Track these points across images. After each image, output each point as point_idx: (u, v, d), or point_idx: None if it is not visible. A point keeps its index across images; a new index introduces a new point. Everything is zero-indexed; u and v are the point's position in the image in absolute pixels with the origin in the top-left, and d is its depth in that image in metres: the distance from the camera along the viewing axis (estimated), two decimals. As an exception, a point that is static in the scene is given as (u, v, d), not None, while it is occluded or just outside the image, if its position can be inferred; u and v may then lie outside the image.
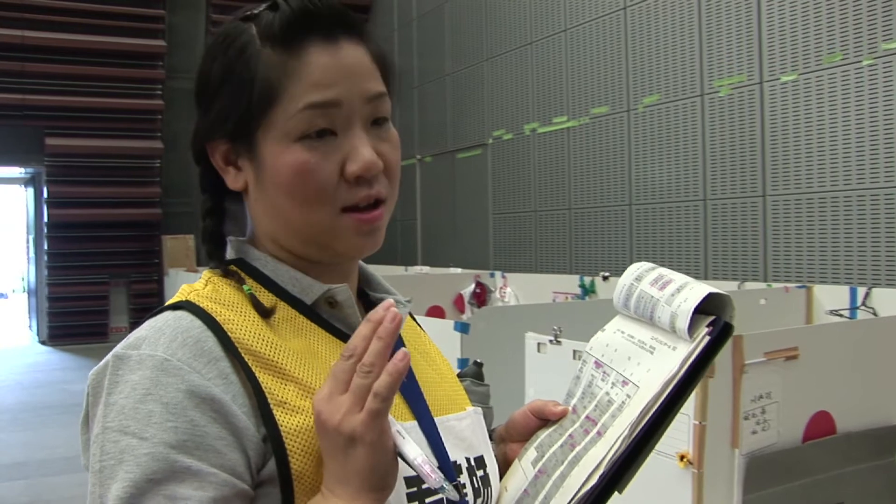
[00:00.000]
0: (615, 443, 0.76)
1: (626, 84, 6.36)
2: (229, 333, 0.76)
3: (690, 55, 5.71)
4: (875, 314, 3.35)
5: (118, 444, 0.69)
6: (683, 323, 0.76)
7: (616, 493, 0.77)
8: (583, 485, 0.76)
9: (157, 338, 0.74)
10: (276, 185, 0.80)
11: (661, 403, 0.76)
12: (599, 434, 0.79)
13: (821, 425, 2.03)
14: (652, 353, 0.80)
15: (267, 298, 0.82)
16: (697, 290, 0.76)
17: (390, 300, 0.75)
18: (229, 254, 0.88)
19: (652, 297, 0.81)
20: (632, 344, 0.83)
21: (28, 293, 14.17)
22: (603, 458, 0.76)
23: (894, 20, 4.37)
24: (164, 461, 0.68)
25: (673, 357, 0.77)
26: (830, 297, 3.63)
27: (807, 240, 4.91)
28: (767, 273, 5.15)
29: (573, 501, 0.76)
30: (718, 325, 0.76)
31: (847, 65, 4.62)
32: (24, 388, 8.32)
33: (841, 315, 3.52)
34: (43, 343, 11.43)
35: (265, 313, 0.80)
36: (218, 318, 0.77)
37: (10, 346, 11.88)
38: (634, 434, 0.76)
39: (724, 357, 1.82)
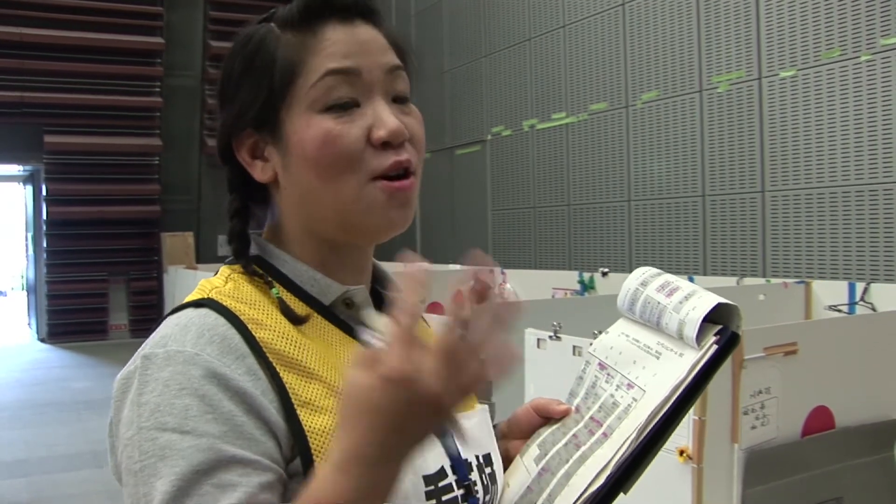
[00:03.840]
0: (622, 445, 0.77)
1: (624, 80, 6.36)
2: (253, 333, 0.76)
3: (689, 51, 5.71)
4: (874, 309, 3.36)
5: (156, 441, 0.69)
6: (692, 331, 0.76)
7: (622, 493, 0.77)
8: (589, 485, 0.77)
9: (184, 335, 0.74)
10: (304, 159, 0.80)
11: (669, 408, 0.76)
12: (605, 435, 0.80)
13: (820, 420, 2.04)
14: (658, 358, 0.80)
15: (296, 304, 0.82)
16: (706, 300, 0.77)
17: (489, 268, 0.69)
18: (250, 250, 0.88)
19: (659, 303, 0.81)
20: (637, 348, 0.84)
21: (27, 291, 14.17)
22: (610, 460, 0.77)
23: (893, 15, 4.37)
24: (208, 451, 0.68)
25: (680, 363, 0.78)
26: (829, 292, 3.64)
27: (805, 235, 4.91)
28: (766, 269, 5.15)
29: (579, 501, 0.76)
30: (726, 334, 0.76)
31: (846, 60, 4.62)
32: (24, 385, 8.31)
33: (840, 310, 3.52)
34: (42, 341, 11.43)
35: (297, 321, 0.80)
36: (242, 317, 0.77)
37: (10, 343, 11.87)
38: (642, 437, 0.76)
39: (723, 352, 1.83)
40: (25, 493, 4.88)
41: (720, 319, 0.77)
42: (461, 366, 0.63)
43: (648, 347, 0.82)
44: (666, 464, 1.82)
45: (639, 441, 0.76)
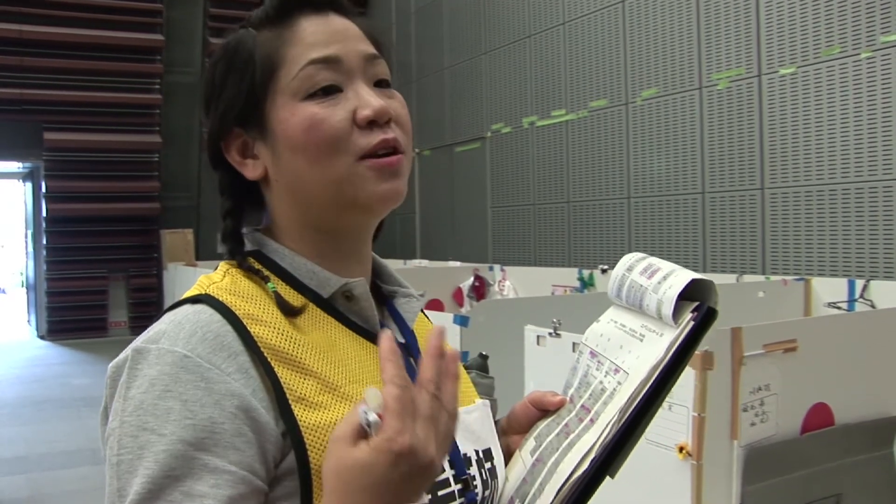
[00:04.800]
0: (605, 428, 0.78)
1: (624, 77, 6.35)
2: (248, 328, 0.76)
3: (689, 48, 5.71)
4: (873, 306, 3.36)
5: (137, 439, 0.69)
6: (668, 309, 0.77)
7: (608, 477, 0.78)
8: (574, 470, 0.77)
9: (177, 332, 0.74)
10: (291, 148, 0.81)
11: (649, 389, 0.77)
12: (592, 421, 0.80)
13: (819, 417, 2.04)
14: (641, 340, 0.81)
15: (293, 297, 0.82)
16: (681, 277, 0.78)
17: (442, 327, 0.73)
18: (246, 246, 0.88)
19: (641, 285, 0.82)
20: (623, 333, 0.84)
21: (27, 288, 14.17)
22: (594, 444, 0.77)
23: (893, 13, 4.37)
24: (181, 458, 0.68)
25: (660, 343, 0.78)
26: (828, 289, 3.64)
27: (805, 232, 4.91)
28: (766, 266, 5.15)
29: (565, 486, 0.77)
30: (702, 310, 0.77)
31: (845, 57, 4.62)
32: (24, 382, 8.32)
33: (839, 307, 3.52)
34: (42, 338, 11.43)
35: (291, 312, 0.80)
36: (237, 312, 0.77)
37: (10, 340, 11.88)
38: (624, 419, 0.77)
39: (723, 349, 1.83)
40: (25, 489, 4.89)
41: (698, 296, 0.78)
42: (440, 425, 0.68)
43: (633, 331, 0.83)
44: (665, 461, 1.82)
45: (621, 423, 0.77)
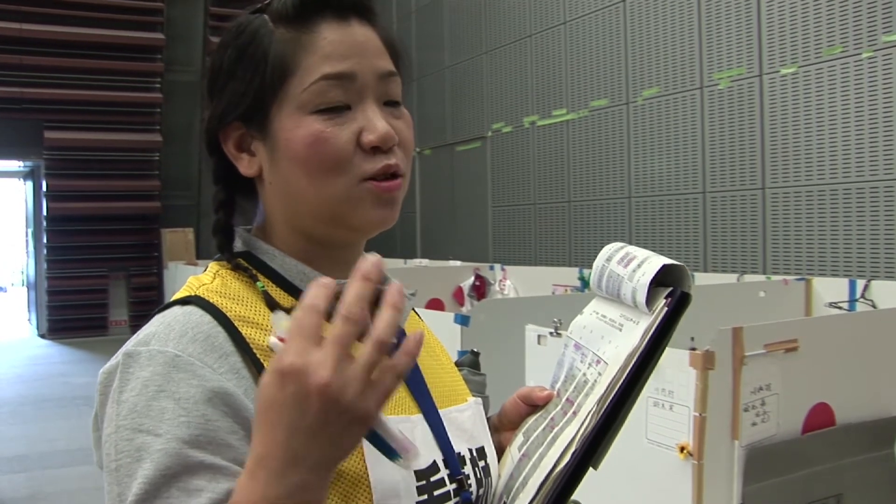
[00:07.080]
0: (585, 420, 0.77)
1: (625, 77, 6.35)
2: (240, 329, 0.76)
3: (690, 48, 5.70)
4: (874, 306, 3.36)
5: (133, 441, 0.69)
6: (642, 297, 0.77)
7: (591, 469, 0.77)
8: (556, 463, 0.77)
9: (167, 333, 0.74)
10: (291, 159, 0.80)
11: (626, 378, 0.77)
12: (575, 414, 0.80)
13: (820, 417, 2.04)
14: (620, 329, 0.81)
15: (282, 298, 0.82)
16: (653, 264, 0.78)
17: (376, 256, 0.69)
18: (236, 245, 0.87)
19: (618, 275, 0.82)
20: (604, 323, 0.85)
21: (27, 287, 14.17)
22: (574, 436, 0.77)
23: (894, 12, 4.37)
24: (176, 456, 0.67)
25: (636, 331, 0.79)
26: (829, 289, 3.64)
27: (806, 232, 4.91)
28: (767, 265, 5.15)
29: (548, 480, 0.77)
30: (675, 295, 0.77)
31: (847, 57, 4.61)
32: (25, 381, 8.33)
33: (840, 307, 3.52)
34: (42, 336, 11.45)
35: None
36: (228, 314, 0.76)
37: (10, 339, 11.88)
38: (602, 410, 0.77)
39: (724, 349, 1.83)
40: (25, 488, 4.89)
41: (673, 282, 0.78)
42: (365, 361, 0.61)
43: (613, 321, 0.83)
44: (666, 460, 1.82)
45: (599, 414, 0.77)
